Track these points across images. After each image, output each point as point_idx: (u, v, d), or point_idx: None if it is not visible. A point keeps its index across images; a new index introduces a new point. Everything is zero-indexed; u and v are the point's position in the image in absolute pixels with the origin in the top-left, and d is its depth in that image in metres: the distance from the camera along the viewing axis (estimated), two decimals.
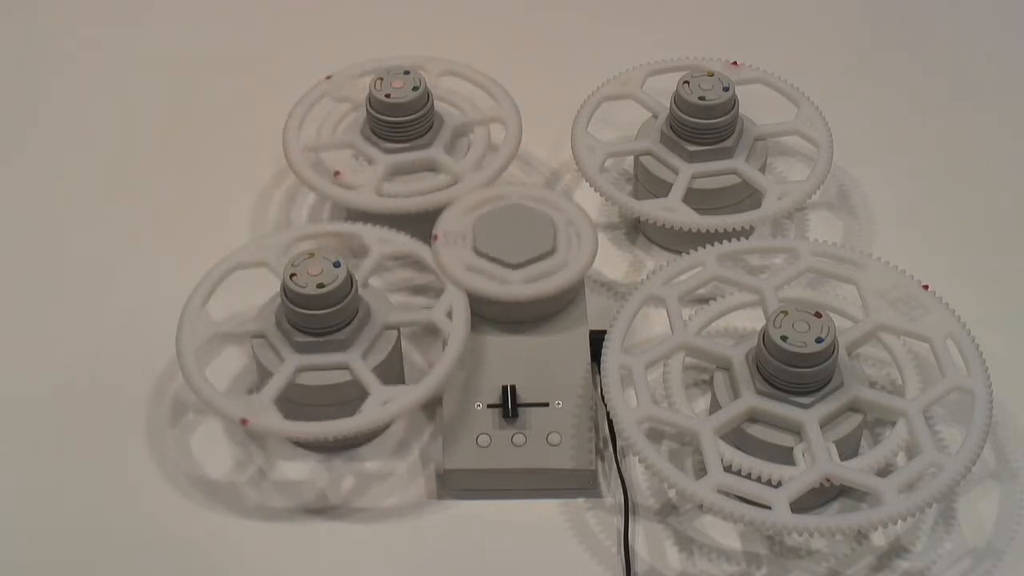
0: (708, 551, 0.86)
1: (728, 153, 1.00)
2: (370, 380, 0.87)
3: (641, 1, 1.27)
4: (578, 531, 0.87)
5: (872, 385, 0.90)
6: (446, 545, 0.87)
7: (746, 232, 1.01)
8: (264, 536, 0.88)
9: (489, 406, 0.90)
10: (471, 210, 0.95)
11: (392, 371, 0.90)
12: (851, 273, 0.92)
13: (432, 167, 1.00)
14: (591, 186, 1.01)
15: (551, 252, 0.93)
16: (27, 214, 1.08)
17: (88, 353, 0.98)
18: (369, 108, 1.01)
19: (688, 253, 0.93)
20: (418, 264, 0.95)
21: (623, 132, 1.08)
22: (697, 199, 0.99)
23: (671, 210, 0.98)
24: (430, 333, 0.96)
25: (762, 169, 1.02)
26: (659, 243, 1.05)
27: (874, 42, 1.24)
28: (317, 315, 0.87)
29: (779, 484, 0.82)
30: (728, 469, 0.83)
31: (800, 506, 0.81)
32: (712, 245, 0.93)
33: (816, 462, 0.82)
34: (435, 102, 1.03)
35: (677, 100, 1.00)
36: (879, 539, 0.87)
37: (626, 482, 0.88)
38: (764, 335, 0.85)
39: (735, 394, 0.86)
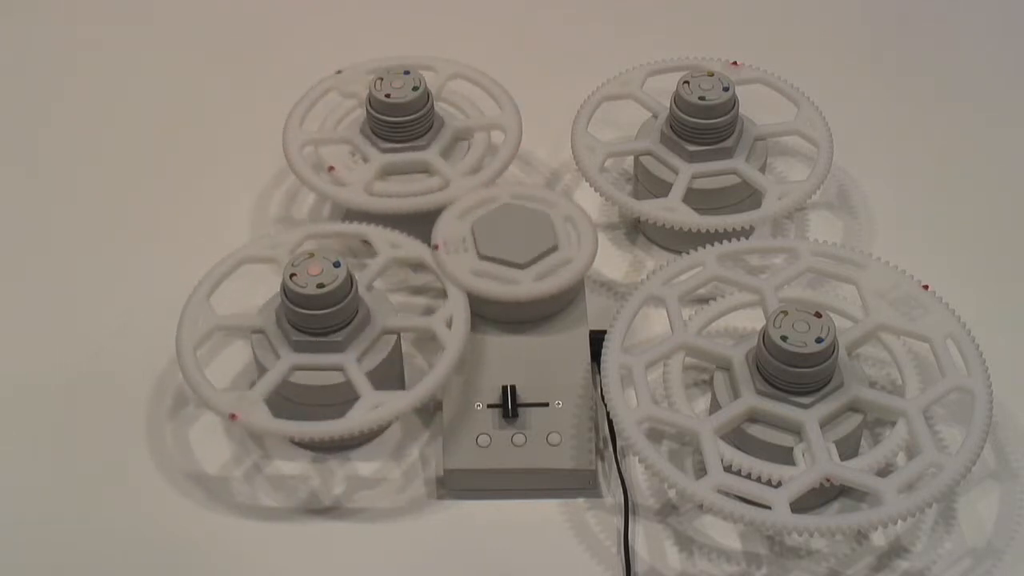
0: (708, 551, 0.86)
1: (728, 153, 1.01)
2: (362, 383, 0.86)
3: (641, 1, 1.27)
4: (578, 531, 0.87)
5: (872, 385, 0.90)
6: (446, 545, 0.87)
7: (746, 232, 1.01)
8: (264, 536, 0.88)
9: (489, 406, 0.90)
10: (466, 215, 0.95)
11: (389, 375, 0.90)
12: (851, 273, 0.92)
13: (425, 169, 1.00)
14: (591, 186, 1.01)
15: (555, 248, 0.93)
16: (27, 214, 1.08)
17: (88, 353, 0.98)
18: (369, 107, 1.01)
19: (688, 253, 0.93)
20: (421, 266, 0.94)
21: (623, 132, 1.08)
22: (697, 199, 0.99)
23: (671, 210, 0.98)
24: (429, 340, 0.95)
25: (762, 169, 1.02)
26: (659, 243, 1.05)
27: (874, 42, 1.24)
28: (314, 315, 0.87)
29: (779, 484, 0.82)
30: (728, 469, 0.83)
31: (800, 506, 0.81)
32: (712, 245, 0.93)
33: (816, 462, 0.82)
34: (441, 104, 1.03)
35: (677, 100, 1.00)
36: (879, 539, 0.87)
37: (626, 482, 0.88)
38: (764, 335, 0.85)
39: (735, 394, 0.86)
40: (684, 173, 1.00)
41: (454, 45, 1.11)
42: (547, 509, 0.88)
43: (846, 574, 0.85)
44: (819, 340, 0.83)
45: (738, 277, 0.92)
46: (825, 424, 0.84)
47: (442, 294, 0.93)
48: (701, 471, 0.84)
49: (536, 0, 1.28)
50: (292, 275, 0.87)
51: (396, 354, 0.91)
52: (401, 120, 1.00)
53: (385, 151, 1.01)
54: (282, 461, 0.91)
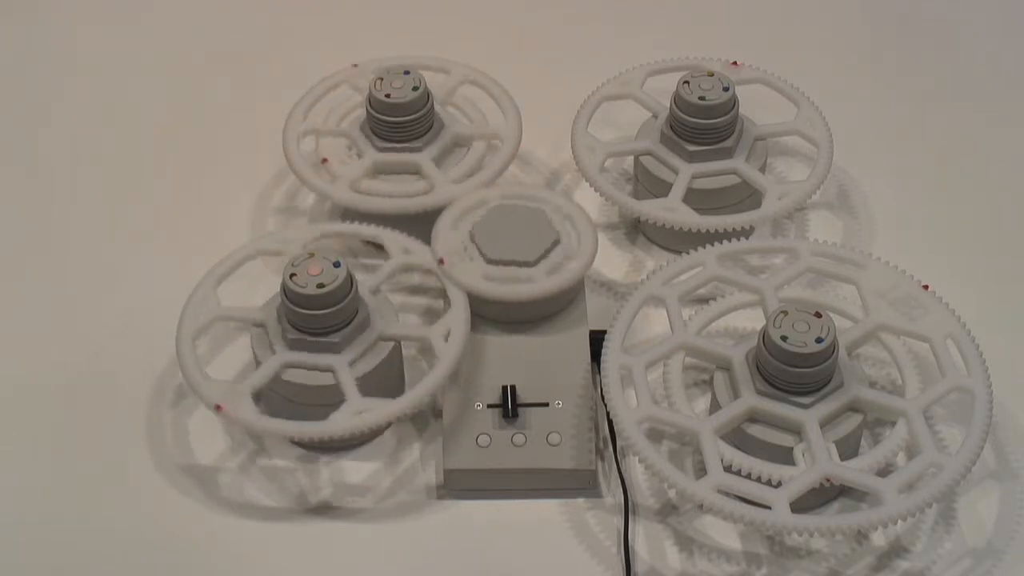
0: (708, 551, 0.86)
1: (728, 153, 1.00)
2: (350, 388, 0.86)
3: (641, 1, 1.27)
4: (578, 531, 0.87)
5: (872, 385, 0.90)
6: (446, 545, 0.87)
7: (746, 232, 1.01)
8: (264, 536, 0.88)
9: (489, 406, 0.90)
10: (460, 222, 0.95)
11: (383, 382, 0.89)
12: (851, 273, 0.92)
13: (416, 171, 1.00)
14: (591, 186, 1.01)
15: (558, 241, 0.93)
16: (27, 214, 1.08)
17: (88, 353, 0.98)
18: (368, 107, 1.01)
19: (688, 253, 0.93)
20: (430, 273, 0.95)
21: (623, 132, 1.08)
22: (697, 199, 0.99)
23: (671, 210, 0.98)
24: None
25: (762, 169, 1.02)
26: (659, 243, 1.04)
27: (874, 42, 1.24)
28: (311, 315, 0.87)
29: (779, 484, 0.82)
30: (728, 469, 0.82)
31: (800, 506, 0.81)
32: (712, 245, 0.93)
33: (816, 462, 0.82)
34: (449, 108, 1.03)
35: (677, 100, 1.00)
36: (879, 539, 0.87)
37: (626, 482, 0.88)
38: (764, 335, 0.85)
39: (735, 394, 0.86)
40: (684, 173, 1.00)
41: (454, 45, 1.11)
42: (547, 509, 0.88)
43: (846, 574, 0.85)
44: (819, 340, 0.83)
45: (738, 277, 0.92)
46: (825, 424, 0.84)
47: (442, 294, 0.93)
48: (701, 471, 0.84)
49: (536, 0, 1.28)
50: (292, 275, 0.87)
51: (392, 361, 0.90)
52: (399, 120, 0.99)
53: (380, 150, 1.01)
54: (282, 461, 0.91)
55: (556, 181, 1.10)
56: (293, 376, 0.88)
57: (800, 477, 0.81)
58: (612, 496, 0.89)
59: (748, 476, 0.83)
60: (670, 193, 0.99)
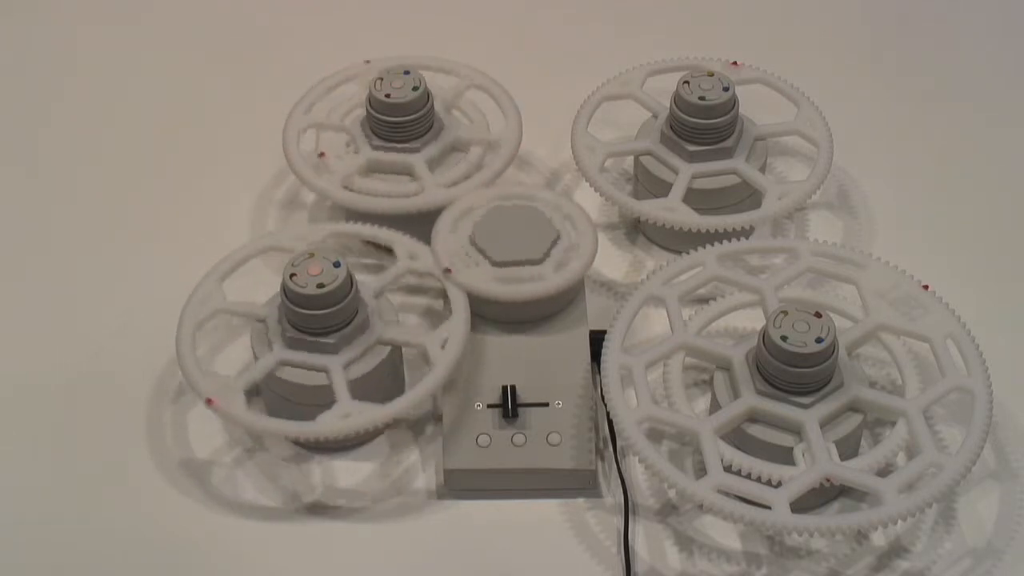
0: (708, 551, 0.86)
1: (728, 153, 1.00)
2: (341, 390, 0.86)
3: (641, 1, 1.27)
4: (578, 531, 0.87)
5: (872, 385, 0.90)
6: (446, 545, 0.87)
7: (746, 232, 1.01)
8: (264, 536, 0.88)
9: (489, 406, 0.90)
10: (457, 227, 0.95)
11: (378, 386, 0.89)
12: (851, 273, 0.92)
13: (410, 171, 1.00)
14: (591, 186, 1.01)
15: (559, 236, 0.93)
16: (27, 214, 1.08)
17: (88, 353, 0.98)
18: (368, 106, 1.00)
19: (688, 253, 0.93)
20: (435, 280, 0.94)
21: (623, 132, 1.08)
22: (697, 199, 0.99)
23: (671, 210, 0.98)
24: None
25: (762, 169, 1.02)
26: (659, 243, 1.04)
27: (874, 42, 1.24)
28: (308, 315, 0.87)
29: (779, 484, 0.82)
30: (728, 469, 0.82)
31: (800, 506, 0.81)
32: (712, 245, 0.93)
33: (816, 462, 0.82)
34: (452, 111, 1.03)
35: (677, 100, 1.00)
36: (879, 539, 0.87)
37: (626, 482, 0.88)
38: (764, 335, 0.85)
39: (735, 394, 0.86)
40: (684, 173, 1.00)
41: (454, 45, 1.11)
42: (547, 509, 0.88)
43: (846, 574, 0.85)
44: (819, 340, 0.83)
45: (738, 277, 0.92)
46: (825, 424, 0.84)
47: (442, 294, 0.93)
48: (701, 471, 0.84)
49: (536, 0, 1.28)
50: (292, 275, 0.87)
51: (389, 365, 0.90)
52: (396, 120, 0.99)
53: (376, 148, 1.01)
54: (283, 462, 0.91)
55: (556, 181, 1.10)
56: (288, 374, 0.88)
57: (800, 477, 0.81)
58: (612, 496, 0.89)
59: (748, 476, 0.83)
60: (670, 193, 0.99)
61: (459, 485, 0.89)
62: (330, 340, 0.88)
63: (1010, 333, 0.97)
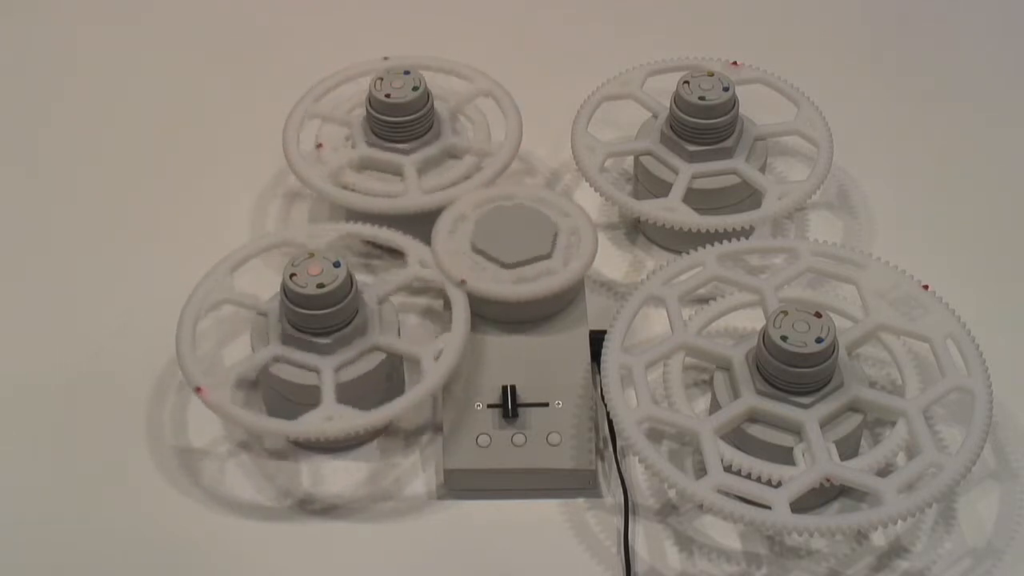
0: (708, 551, 0.86)
1: (728, 153, 1.00)
2: (328, 392, 0.86)
3: (641, 1, 1.27)
4: (578, 531, 0.87)
5: (872, 385, 0.90)
6: (446, 545, 0.87)
7: (746, 232, 1.01)
8: (264, 536, 0.88)
9: (489, 406, 0.90)
10: (455, 231, 0.95)
11: (371, 391, 0.88)
12: (851, 273, 0.92)
13: (399, 172, 1.00)
14: (591, 186, 1.01)
15: (558, 229, 0.94)
16: (27, 214, 1.08)
17: (88, 353, 0.98)
18: (368, 105, 1.00)
19: (688, 253, 0.93)
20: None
21: (623, 132, 1.08)
22: (697, 199, 0.99)
23: (671, 210, 0.98)
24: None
25: (762, 169, 1.02)
26: (659, 243, 1.04)
27: (874, 42, 1.24)
28: (306, 314, 0.87)
29: (779, 484, 0.82)
30: (728, 469, 0.82)
31: (800, 506, 0.81)
32: (712, 245, 0.93)
33: (816, 462, 0.82)
34: (459, 116, 1.03)
35: (677, 100, 1.00)
36: (879, 539, 0.87)
37: (626, 482, 0.88)
38: (764, 335, 0.85)
39: (735, 394, 0.86)
40: (684, 173, 1.00)
41: (454, 45, 1.11)
42: (547, 509, 0.88)
43: (846, 574, 0.85)
44: (819, 340, 0.83)
45: (738, 277, 0.92)
46: (825, 424, 0.84)
47: (441, 295, 0.93)
48: (701, 471, 0.84)
49: (536, 0, 1.28)
50: (292, 275, 0.87)
51: (384, 371, 0.89)
52: (391, 120, 0.99)
53: (371, 145, 1.01)
54: (283, 461, 0.91)
55: (556, 181, 1.10)
56: (280, 371, 0.88)
57: (800, 477, 0.81)
58: (612, 496, 0.89)
59: (748, 476, 0.83)
60: (670, 193, 0.99)
61: (459, 485, 0.89)
62: (325, 341, 0.87)
63: (1010, 333, 0.97)
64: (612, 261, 1.04)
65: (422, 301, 1.00)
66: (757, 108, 1.04)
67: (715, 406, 0.88)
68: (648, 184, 1.03)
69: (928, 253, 1.02)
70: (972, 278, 1.01)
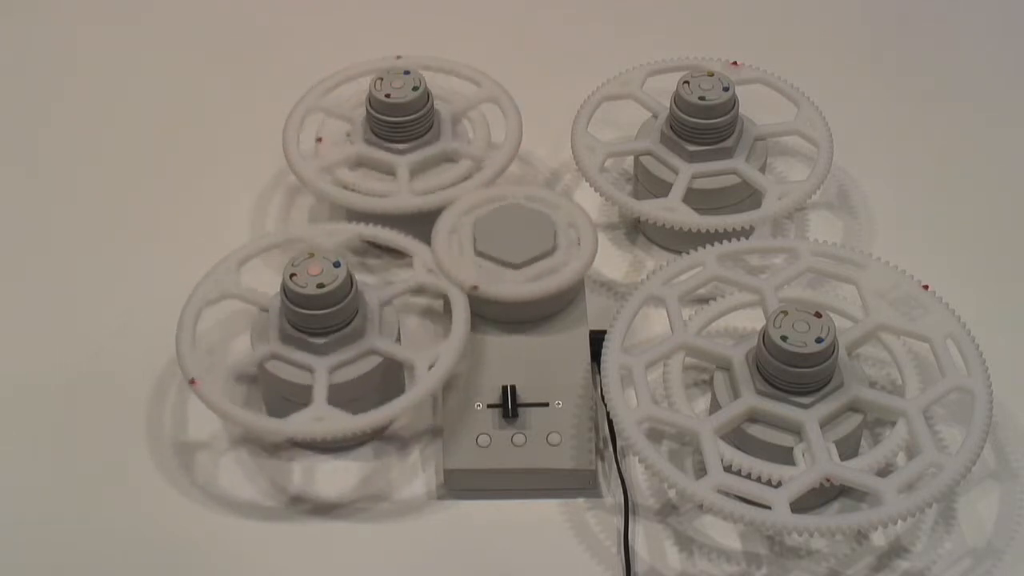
0: (708, 551, 0.86)
1: (728, 153, 1.00)
2: (320, 393, 0.86)
3: (641, 1, 1.27)
4: (578, 531, 0.87)
5: (872, 385, 0.90)
6: (446, 545, 0.87)
7: (746, 232, 1.01)
8: (264, 536, 0.88)
9: (489, 406, 0.90)
10: (455, 236, 0.94)
11: (365, 394, 0.88)
12: (851, 273, 0.92)
13: (390, 171, 1.00)
14: (591, 186, 1.01)
15: (557, 225, 0.94)
16: (27, 214, 1.08)
17: (88, 353, 0.98)
18: (368, 104, 1.00)
19: (688, 253, 0.93)
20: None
21: (623, 132, 1.08)
22: (697, 199, 0.99)
23: (671, 210, 0.98)
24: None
25: (762, 169, 1.02)
26: (659, 243, 1.05)
27: (874, 42, 1.24)
28: (303, 313, 0.87)
29: (779, 484, 0.82)
30: (728, 469, 0.82)
31: (800, 506, 0.81)
32: (712, 245, 0.93)
33: (816, 462, 0.82)
34: (462, 120, 1.03)
35: (677, 100, 1.00)
36: (879, 539, 0.87)
37: (626, 482, 0.88)
38: (764, 335, 0.85)
39: (735, 394, 0.86)
40: (684, 173, 1.00)
41: (454, 45, 1.11)
42: (547, 509, 0.88)
43: (846, 574, 0.85)
44: (819, 340, 0.83)
45: (738, 277, 0.92)
46: (825, 424, 0.84)
47: (441, 295, 0.93)
48: (701, 471, 0.84)
49: (536, 0, 1.28)
50: (292, 275, 0.87)
51: (378, 375, 0.89)
52: (388, 120, 0.99)
53: (368, 143, 1.01)
54: (283, 461, 0.91)
55: (556, 181, 1.10)
56: (275, 368, 0.88)
57: (800, 477, 0.81)
58: (612, 496, 0.89)
59: (748, 476, 0.83)
60: (670, 193, 0.99)
61: (459, 485, 0.89)
62: (321, 341, 0.87)
63: (1010, 333, 0.97)
64: (612, 261, 1.04)
65: (422, 301, 1.00)
66: (757, 108, 1.04)
67: (715, 406, 0.88)
68: (648, 184, 1.03)
69: (928, 253, 1.02)
70: (972, 278, 1.01)
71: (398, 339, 0.91)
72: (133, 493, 0.90)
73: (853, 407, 0.86)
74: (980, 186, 1.09)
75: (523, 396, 0.90)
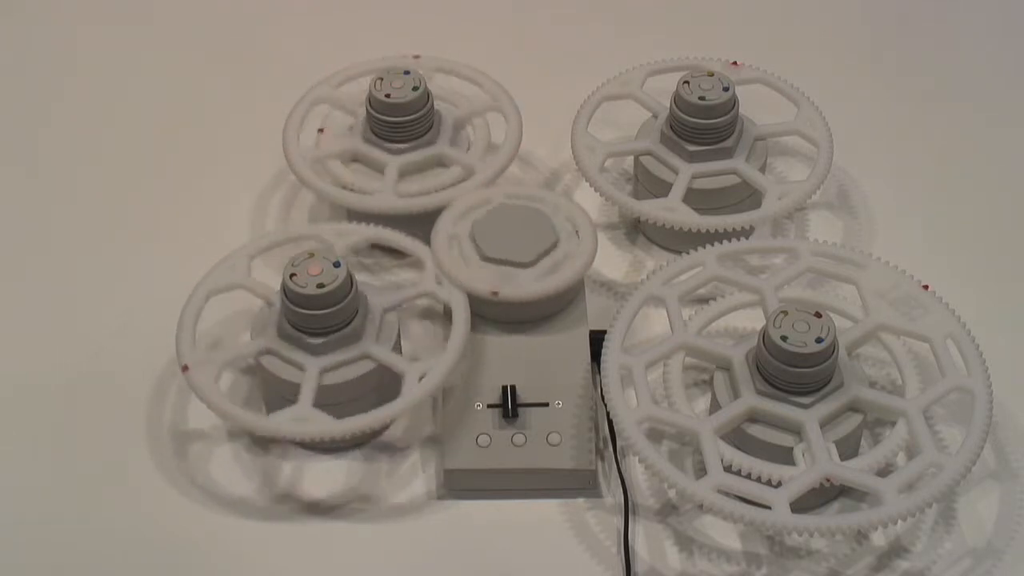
0: (708, 551, 0.86)
1: (728, 153, 1.00)
2: (307, 393, 0.86)
3: (641, 1, 1.27)
4: (578, 531, 0.87)
5: (872, 385, 0.90)
6: (446, 545, 0.87)
7: (746, 232, 1.01)
8: (264, 536, 0.88)
9: (489, 406, 0.90)
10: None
11: (357, 397, 0.88)
12: (851, 273, 0.92)
13: (380, 168, 1.00)
14: (591, 186, 1.01)
15: (551, 219, 0.94)
16: (27, 214, 1.08)
17: (88, 353, 0.98)
18: (368, 105, 1.00)
19: (688, 253, 0.93)
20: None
21: (623, 132, 1.08)
22: (697, 199, 0.99)
23: (671, 210, 0.98)
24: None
25: (762, 169, 1.02)
26: (659, 243, 1.05)
27: (874, 42, 1.24)
28: (302, 313, 0.87)
29: (779, 484, 0.82)
30: (728, 469, 0.82)
31: (800, 506, 0.81)
32: (712, 245, 0.93)
33: (816, 462, 0.82)
34: (466, 125, 1.03)
35: (677, 100, 1.00)
36: (879, 539, 0.87)
37: (626, 482, 0.88)
38: (764, 335, 0.85)
39: (735, 394, 0.86)
40: (684, 173, 1.00)
41: (454, 45, 1.11)
42: (547, 509, 0.88)
43: (846, 574, 0.85)
44: (819, 340, 0.83)
45: (738, 277, 0.92)
46: (825, 424, 0.84)
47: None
48: (701, 471, 0.84)
49: (536, 0, 1.28)
50: (292, 275, 0.87)
51: (371, 380, 0.89)
52: (385, 119, 0.99)
53: (365, 140, 1.01)
54: (282, 461, 0.91)
55: (556, 181, 1.10)
56: (268, 363, 0.88)
57: (800, 477, 0.81)
58: (612, 496, 0.89)
59: (748, 476, 0.83)
60: (670, 193, 0.99)
61: (459, 485, 0.89)
62: (316, 341, 0.87)
63: (1010, 333, 0.97)
64: (612, 261, 1.04)
65: (422, 301, 1.00)
66: (757, 108, 1.04)
67: (715, 406, 0.88)
68: (648, 184, 1.03)
69: (928, 253, 1.02)
70: (972, 278, 1.01)
71: (397, 345, 0.91)
72: (133, 493, 0.90)
73: (853, 407, 0.86)
74: (980, 186, 1.09)
75: (523, 396, 0.90)
